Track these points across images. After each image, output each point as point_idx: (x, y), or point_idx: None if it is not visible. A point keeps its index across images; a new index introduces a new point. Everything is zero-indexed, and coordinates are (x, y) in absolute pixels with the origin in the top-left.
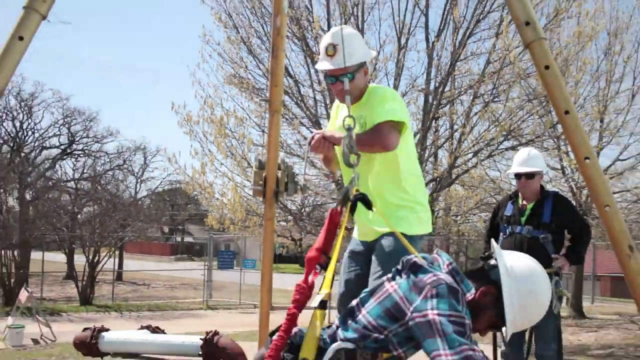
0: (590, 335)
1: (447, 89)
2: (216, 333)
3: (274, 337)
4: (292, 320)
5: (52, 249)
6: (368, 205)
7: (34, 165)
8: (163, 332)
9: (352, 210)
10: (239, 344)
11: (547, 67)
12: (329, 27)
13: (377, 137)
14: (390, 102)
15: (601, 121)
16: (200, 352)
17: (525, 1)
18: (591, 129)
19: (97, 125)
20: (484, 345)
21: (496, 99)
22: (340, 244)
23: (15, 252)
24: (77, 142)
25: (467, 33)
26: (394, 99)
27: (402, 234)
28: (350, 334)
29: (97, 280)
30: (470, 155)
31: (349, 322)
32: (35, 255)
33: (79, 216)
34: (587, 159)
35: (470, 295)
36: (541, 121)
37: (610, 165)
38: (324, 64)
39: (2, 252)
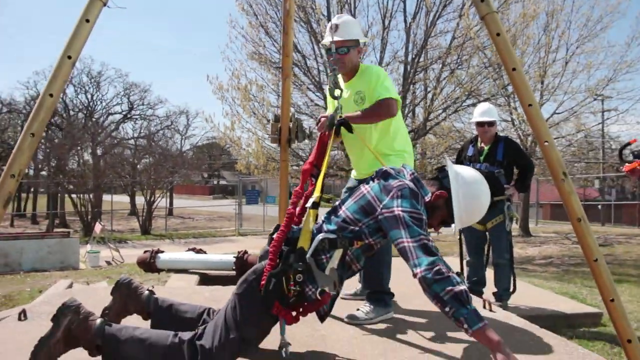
0: (535, 249)
1: (421, 59)
2: (246, 252)
3: (275, 235)
4: (290, 218)
5: (118, 192)
6: (349, 128)
7: (102, 127)
8: (205, 252)
9: (337, 132)
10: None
11: (498, 34)
12: (329, 13)
13: (385, 110)
14: (387, 81)
15: (542, 83)
16: (234, 267)
17: None
18: (534, 89)
19: (150, 95)
20: (452, 258)
21: (460, 67)
22: (328, 159)
23: (91, 195)
24: (135, 109)
25: (437, 15)
26: (387, 78)
27: None
28: (332, 227)
29: (153, 215)
30: (440, 111)
31: (332, 217)
32: (106, 197)
33: (138, 166)
34: (530, 105)
35: (427, 198)
36: (495, 83)
37: (549, 118)
38: (327, 39)
39: (81, 195)
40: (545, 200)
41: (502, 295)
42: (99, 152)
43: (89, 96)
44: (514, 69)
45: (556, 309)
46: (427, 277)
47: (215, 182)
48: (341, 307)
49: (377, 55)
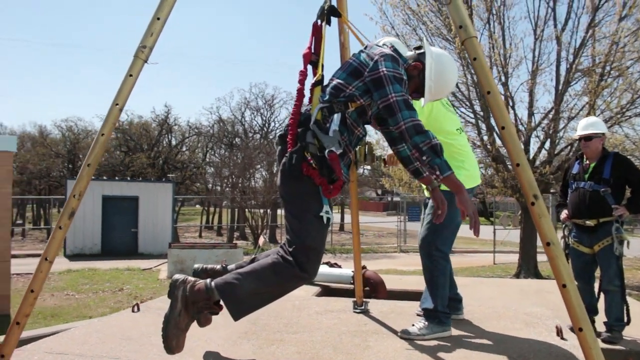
0: None
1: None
2: (364, 267)
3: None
4: (300, 93)
5: None
6: (337, 13)
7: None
8: (339, 266)
9: (328, 21)
10: (383, 276)
11: (475, 59)
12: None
13: None
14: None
15: None
16: (352, 281)
17: None
18: None
19: None
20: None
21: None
22: (324, 47)
23: (262, 210)
24: None
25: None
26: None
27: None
28: (326, 97)
29: None
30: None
31: (326, 89)
32: (280, 211)
33: None
34: (503, 128)
35: (406, 65)
36: None
37: None
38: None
39: (253, 210)
40: None
41: (614, 326)
42: (273, 169)
43: (264, 118)
44: (488, 92)
45: None
46: (410, 129)
47: (389, 199)
48: (402, 323)
49: (528, 66)
